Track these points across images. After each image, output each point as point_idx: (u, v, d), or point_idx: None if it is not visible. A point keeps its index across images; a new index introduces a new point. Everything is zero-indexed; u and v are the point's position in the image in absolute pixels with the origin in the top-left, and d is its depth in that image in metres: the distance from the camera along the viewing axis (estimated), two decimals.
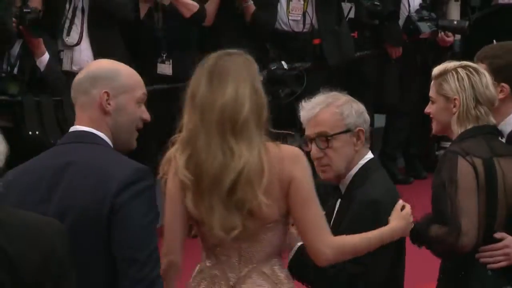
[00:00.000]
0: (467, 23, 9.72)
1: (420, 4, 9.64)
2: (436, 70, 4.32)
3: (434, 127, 4.36)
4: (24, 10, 7.32)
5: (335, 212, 4.29)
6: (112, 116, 3.70)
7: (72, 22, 7.83)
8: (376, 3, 9.21)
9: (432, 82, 4.35)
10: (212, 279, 3.88)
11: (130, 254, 3.52)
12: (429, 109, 4.31)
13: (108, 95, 3.68)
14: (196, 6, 8.10)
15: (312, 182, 3.85)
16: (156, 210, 3.67)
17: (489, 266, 4.18)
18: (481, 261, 4.14)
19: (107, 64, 3.87)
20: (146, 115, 3.73)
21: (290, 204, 3.85)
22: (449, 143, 4.41)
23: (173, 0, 8.03)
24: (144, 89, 3.79)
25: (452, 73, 4.24)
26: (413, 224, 3.98)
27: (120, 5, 7.95)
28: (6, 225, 3.09)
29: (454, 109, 4.19)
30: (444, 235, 4.10)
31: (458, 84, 4.23)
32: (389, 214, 4.09)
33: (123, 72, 3.80)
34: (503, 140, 4.30)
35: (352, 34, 9.27)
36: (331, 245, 3.82)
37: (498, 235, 4.10)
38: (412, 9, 9.57)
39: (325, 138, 4.13)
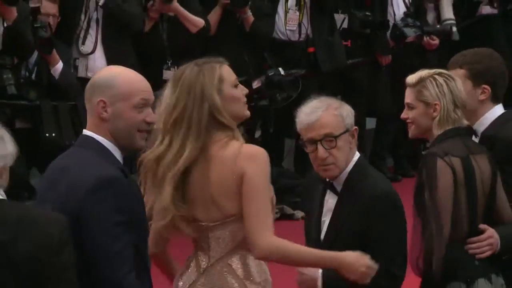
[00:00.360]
0: (449, 26, 9.93)
1: (404, 13, 9.81)
2: (411, 78, 4.35)
3: (412, 131, 4.38)
4: (35, 25, 7.36)
5: (325, 204, 4.30)
6: (110, 122, 3.71)
7: (87, 32, 7.92)
8: (367, 13, 9.34)
9: (408, 90, 4.37)
10: (192, 265, 3.98)
11: (94, 257, 3.57)
12: (405, 114, 4.34)
13: (104, 103, 3.69)
14: (202, 22, 8.18)
15: (265, 180, 3.85)
16: (124, 214, 3.63)
17: (477, 256, 4.21)
18: (470, 252, 4.19)
19: (106, 73, 3.88)
20: (150, 118, 3.74)
21: (241, 198, 3.87)
22: None
23: (180, 17, 8.13)
24: (144, 94, 3.75)
25: (430, 80, 4.28)
26: (364, 276, 3.80)
27: (134, 16, 8.07)
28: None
29: (435, 114, 4.21)
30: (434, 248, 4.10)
31: (438, 90, 4.26)
32: (400, 203, 4.15)
33: (120, 80, 3.78)
34: (477, 140, 4.36)
35: (345, 43, 9.32)
36: (269, 242, 3.78)
37: (481, 226, 4.17)
38: (398, 18, 9.76)
39: (332, 138, 4.18)
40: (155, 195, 3.90)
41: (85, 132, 3.78)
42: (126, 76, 3.77)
